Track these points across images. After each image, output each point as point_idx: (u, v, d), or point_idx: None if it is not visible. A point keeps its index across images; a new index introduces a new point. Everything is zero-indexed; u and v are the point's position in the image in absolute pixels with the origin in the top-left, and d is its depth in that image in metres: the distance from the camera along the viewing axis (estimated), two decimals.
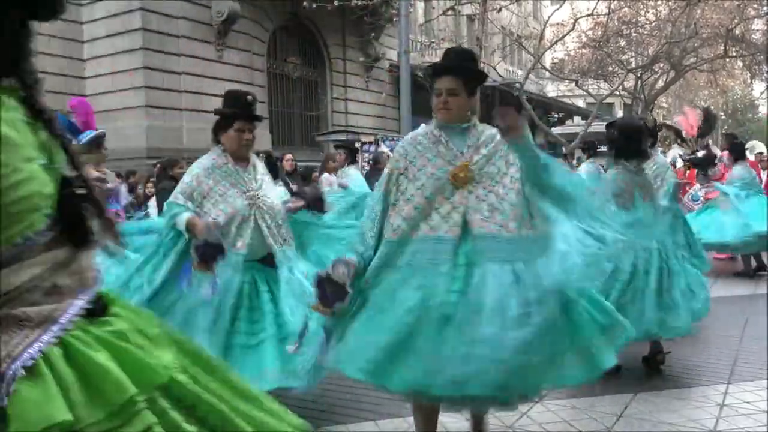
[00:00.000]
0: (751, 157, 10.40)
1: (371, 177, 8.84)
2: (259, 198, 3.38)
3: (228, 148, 3.42)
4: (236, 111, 3.43)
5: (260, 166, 3.56)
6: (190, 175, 3.41)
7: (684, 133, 9.53)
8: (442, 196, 2.65)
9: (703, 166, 8.26)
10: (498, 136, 2.67)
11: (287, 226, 3.47)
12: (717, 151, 9.28)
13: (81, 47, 13.25)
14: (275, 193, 3.57)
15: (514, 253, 2.54)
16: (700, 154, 8.65)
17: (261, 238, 3.33)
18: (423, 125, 2.88)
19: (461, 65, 2.80)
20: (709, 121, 9.41)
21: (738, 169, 8.13)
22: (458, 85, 2.72)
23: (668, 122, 10.27)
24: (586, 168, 8.91)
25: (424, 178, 2.69)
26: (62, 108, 9.54)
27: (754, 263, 8.07)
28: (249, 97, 3.49)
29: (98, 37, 13.10)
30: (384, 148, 11.94)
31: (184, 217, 3.27)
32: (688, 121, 9.45)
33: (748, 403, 3.65)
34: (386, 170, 2.84)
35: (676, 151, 12.25)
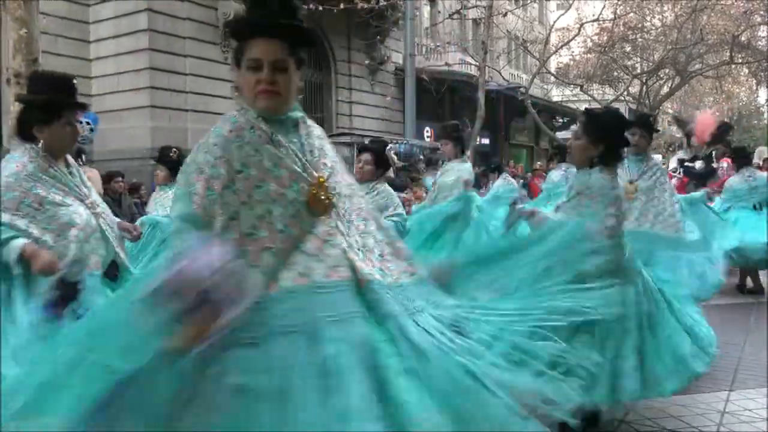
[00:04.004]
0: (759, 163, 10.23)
1: None
2: (95, 203, 2.83)
3: (49, 145, 2.73)
4: (63, 98, 2.79)
5: (74, 164, 2.92)
6: (6, 185, 2.59)
7: (693, 137, 9.13)
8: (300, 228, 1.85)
9: (699, 178, 7.83)
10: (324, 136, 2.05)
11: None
12: (721, 163, 8.78)
13: (87, 47, 13.29)
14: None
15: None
16: (699, 164, 8.27)
17: (110, 248, 2.81)
18: (233, 113, 1.92)
19: (292, 23, 1.86)
20: (723, 132, 8.94)
21: (733, 179, 7.74)
22: (285, 52, 1.84)
23: (680, 117, 9.79)
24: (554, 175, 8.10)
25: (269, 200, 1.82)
26: None
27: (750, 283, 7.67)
28: (75, 81, 2.91)
29: (105, 37, 13.15)
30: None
31: (17, 244, 2.49)
32: (703, 125, 9.00)
33: (749, 410, 3.64)
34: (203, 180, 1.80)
35: (677, 158, 12.09)
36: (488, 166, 12.08)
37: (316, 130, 2.02)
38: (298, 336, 1.68)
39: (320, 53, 16.97)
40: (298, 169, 1.84)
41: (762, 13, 20.17)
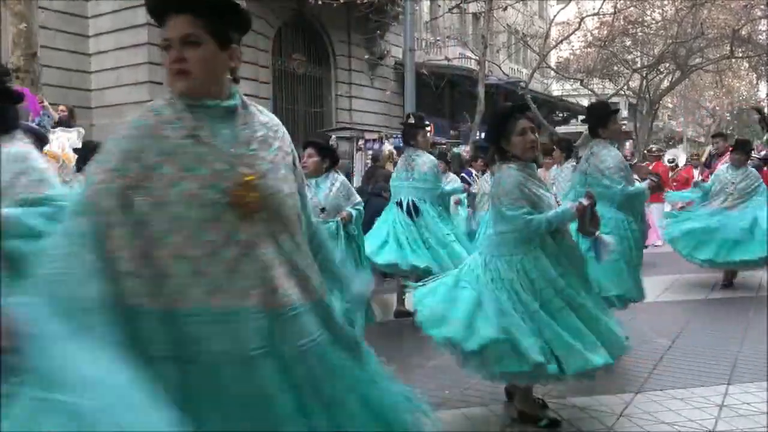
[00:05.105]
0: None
1: (371, 176, 8.86)
2: None
3: None
4: None
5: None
6: None
7: None
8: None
9: None
10: (279, 125, 1.88)
11: None
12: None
13: (86, 42, 13.27)
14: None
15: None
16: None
17: None
18: (158, 102, 1.75)
19: None
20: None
21: (720, 168, 7.54)
22: (198, 27, 1.66)
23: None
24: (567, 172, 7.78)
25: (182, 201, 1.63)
26: (67, 102, 9.58)
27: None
28: None
29: (104, 32, 13.13)
30: (388, 146, 11.95)
31: None
32: None
33: (747, 404, 3.65)
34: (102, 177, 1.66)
35: (676, 151, 12.06)
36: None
37: (261, 118, 1.81)
38: (172, 365, 1.56)
39: (320, 48, 16.94)
40: (224, 167, 1.65)
41: (762, 7, 20.11)
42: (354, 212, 4.76)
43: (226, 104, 1.72)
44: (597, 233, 3.42)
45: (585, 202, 3.32)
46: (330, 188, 4.64)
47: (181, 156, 1.63)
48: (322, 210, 4.49)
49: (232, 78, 1.75)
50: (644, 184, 4.68)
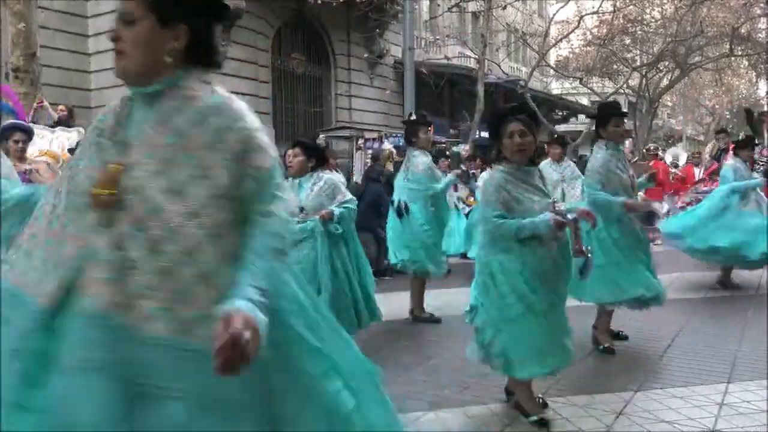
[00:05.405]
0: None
1: (370, 174, 8.86)
2: None
3: None
4: None
5: None
6: None
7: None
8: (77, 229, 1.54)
9: None
10: (229, 107, 1.59)
11: None
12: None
13: (86, 41, 13.26)
14: None
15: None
16: None
17: None
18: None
19: None
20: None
21: (728, 163, 7.29)
22: (139, 6, 1.56)
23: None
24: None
25: (64, 195, 1.61)
26: (67, 102, 9.57)
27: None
28: None
29: (103, 31, 13.11)
30: (388, 145, 11.95)
31: None
32: None
33: (747, 402, 3.65)
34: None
35: (677, 150, 12.06)
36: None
37: (205, 101, 1.57)
38: None
39: (319, 47, 16.93)
40: (110, 158, 1.55)
41: (762, 5, 20.12)
42: (338, 211, 4.43)
43: (148, 89, 1.58)
44: (588, 253, 3.50)
45: (570, 216, 3.31)
46: (312, 188, 4.44)
47: (92, 147, 1.62)
48: (301, 210, 4.31)
49: (179, 60, 1.58)
50: (619, 199, 4.40)
